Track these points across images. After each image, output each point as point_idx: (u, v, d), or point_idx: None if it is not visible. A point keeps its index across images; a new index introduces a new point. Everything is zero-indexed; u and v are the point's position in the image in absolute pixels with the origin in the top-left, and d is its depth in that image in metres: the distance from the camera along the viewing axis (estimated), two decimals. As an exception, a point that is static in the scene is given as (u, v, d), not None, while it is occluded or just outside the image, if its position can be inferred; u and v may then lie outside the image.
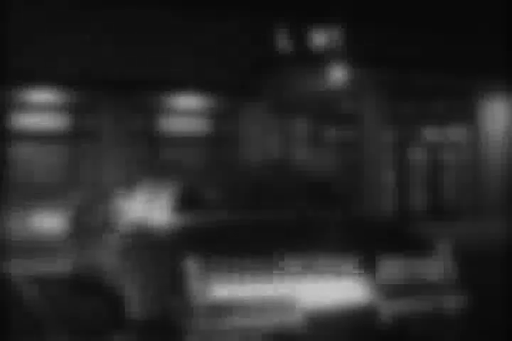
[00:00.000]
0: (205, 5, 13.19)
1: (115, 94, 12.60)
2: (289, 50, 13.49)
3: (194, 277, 4.62)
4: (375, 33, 13.87)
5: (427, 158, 15.22)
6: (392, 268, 5.01)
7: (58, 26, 12.20)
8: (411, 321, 4.97)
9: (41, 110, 12.29)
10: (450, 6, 14.61)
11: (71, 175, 12.51)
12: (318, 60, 13.37)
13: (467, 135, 15.53)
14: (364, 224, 6.10)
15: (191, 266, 4.64)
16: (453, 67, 14.45)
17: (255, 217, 5.84)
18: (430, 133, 15.26)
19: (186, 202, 6.03)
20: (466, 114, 15.46)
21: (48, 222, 11.84)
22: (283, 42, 13.51)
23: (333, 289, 4.82)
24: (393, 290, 4.94)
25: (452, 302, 5.10)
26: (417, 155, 15.12)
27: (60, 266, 9.08)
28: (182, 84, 13.02)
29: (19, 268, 9.41)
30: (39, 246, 11.00)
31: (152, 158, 12.97)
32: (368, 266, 4.92)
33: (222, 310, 4.57)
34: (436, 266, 5.17)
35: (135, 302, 5.67)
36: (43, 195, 12.02)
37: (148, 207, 6.21)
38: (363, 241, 5.32)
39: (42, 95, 12.25)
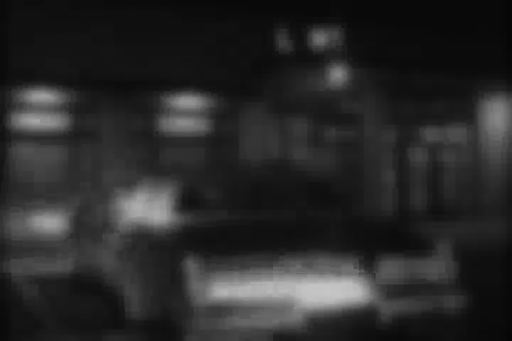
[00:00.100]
0: (205, 5, 13.19)
1: (115, 94, 12.60)
2: (289, 50, 13.49)
3: (194, 277, 4.61)
4: (375, 33, 13.87)
5: (427, 158, 15.22)
6: (392, 268, 5.01)
7: (58, 26, 12.20)
8: (411, 321, 4.97)
9: (41, 110, 12.29)
10: (450, 6, 14.60)
11: (71, 175, 12.51)
12: (318, 60, 13.37)
13: (467, 135, 15.53)
14: (364, 224, 6.10)
15: (191, 266, 4.64)
16: (453, 67, 14.45)
17: (255, 217, 5.84)
18: (430, 134, 15.26)
19: (186, 202, 6.03)
20: (466, 114, 15.47)
21: (48, 222, 11.84)
22: (283, 42, 13.51)
23: (333, 289, 4.82)
24: (393, 290, 4.94)
25: (452, 302, 5.10)
26: (417, 156, 15.12)
27: (60, 266, 9.08)
28: (182, 84, 13.02)
29: (19, 268, 9.40)
30: (39, 246, 11.00)
31: (152, 158, 12.97)
32: (368, 266, 4.92)
33: (222, 310, 4.57)
34: (436, 266, 5.17)
35: (135, 302, 5.67)
36: (43, 195, 12.02)
37: (149, 207, 6.21)
38: (363, 241, 5.32)
39: (42, 95, 12.25)
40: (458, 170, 15.48)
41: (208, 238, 5.28)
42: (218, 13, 13.33)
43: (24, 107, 12.14)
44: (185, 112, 13.32)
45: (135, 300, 5.68)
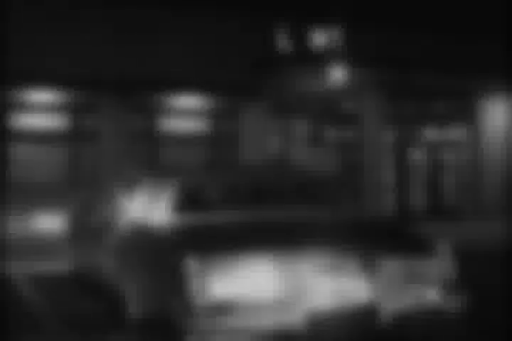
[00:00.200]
0: (205, 5, 13.18)
1: (115, 94, 12.60)
2: (289, 50, 13.48)
3: (194, 277, 4.61)
4: (375, 33, 13.87)
5: (427, 158, 15.23)
6: (392, 268, 5.01)
7: (58, 26, 12.20)
8: (411, 321, 4.96)
9: (41, 110, 12.29)
10: (450, 5, 14.60)
11: (71, 175, 12.51)
12: (318, 60, 13.37)
13: (467, 135, 15.54)
14: (364, 223, 6.10)
15: (191, 265, 4.64)
16: (453, 67, 14.44)
17: (255, 217, 5.84)
18: (430, 133, 15.26)
19: (186, 201, 6.03)
20: (466, 114, 15.47)
21: (48, 222, 11.84)
22: (283, 42, 13.51)
23: (334, 289, 4.82)
24: (393, 290, 4.94)
25: (452, 302, 5.10)
26: (417, 155, 15.13)
27: (60, 266, 9.08)
28: (182, 84, 13.02)
29: (19, 268, 9.40)
30: (39, 246, 10.99)
31: (152, 158, 12.97)
32: (368, 265, 4.92)
33: (222, 309, 4.57)
34: (436, 266, 5.17)
35: (135, 302, 5.67)
36: (43, 194, 12.01)
37: (149, 207, 6.21)
38: (363, 241, 5.32)
39: (42, 95, 12.25)
40: (458, 170, 15.48)
41: (207, 237, 5.27)
42: (218, 13, 13.32)
43: (24, 107, 12.14)
44: (185, 112, 13.31)
45: (135, 300, 5.68)
